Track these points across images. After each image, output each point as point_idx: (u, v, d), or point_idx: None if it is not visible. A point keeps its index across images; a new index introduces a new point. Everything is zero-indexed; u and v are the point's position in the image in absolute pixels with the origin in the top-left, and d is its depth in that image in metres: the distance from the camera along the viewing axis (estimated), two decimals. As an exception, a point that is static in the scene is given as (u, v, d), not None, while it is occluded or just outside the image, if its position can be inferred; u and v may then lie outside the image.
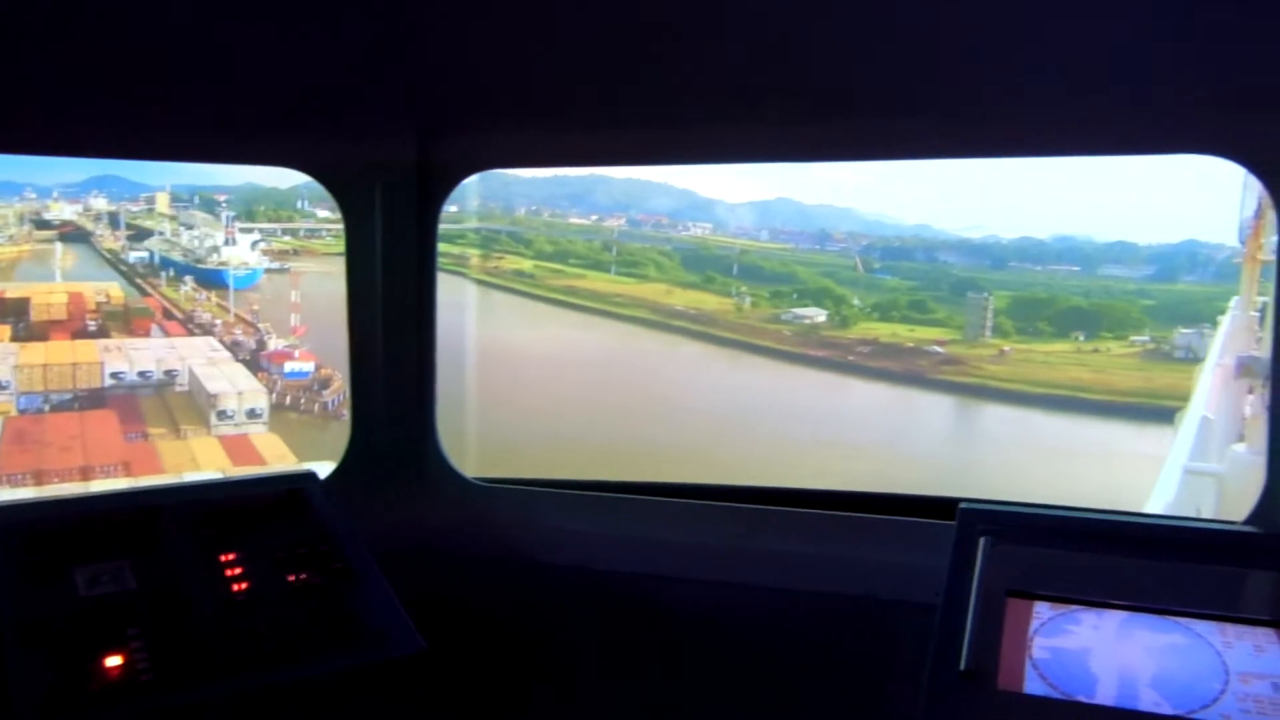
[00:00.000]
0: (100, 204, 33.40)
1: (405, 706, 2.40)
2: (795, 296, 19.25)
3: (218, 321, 23.94)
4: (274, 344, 22.01)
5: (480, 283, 21.78)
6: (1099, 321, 16.74)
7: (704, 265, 21.18)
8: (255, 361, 21.76)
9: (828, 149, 2.99)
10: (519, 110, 3.01)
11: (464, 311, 20.71)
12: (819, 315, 18.85)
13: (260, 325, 22.82)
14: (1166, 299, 16.26)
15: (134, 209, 32.85)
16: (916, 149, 2.89)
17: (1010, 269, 18.47)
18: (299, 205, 30.71)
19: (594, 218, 23.88)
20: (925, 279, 18.83)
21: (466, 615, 3.07)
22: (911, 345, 17.89)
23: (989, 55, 2.31)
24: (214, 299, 25.19)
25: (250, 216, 30.42)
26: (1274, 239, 6.67)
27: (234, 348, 22.08)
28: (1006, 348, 17.23)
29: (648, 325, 20.51)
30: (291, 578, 2.48)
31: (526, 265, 22.37)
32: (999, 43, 2.22)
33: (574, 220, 23.89)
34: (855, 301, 18.88)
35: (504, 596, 3.23)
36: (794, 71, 2.49)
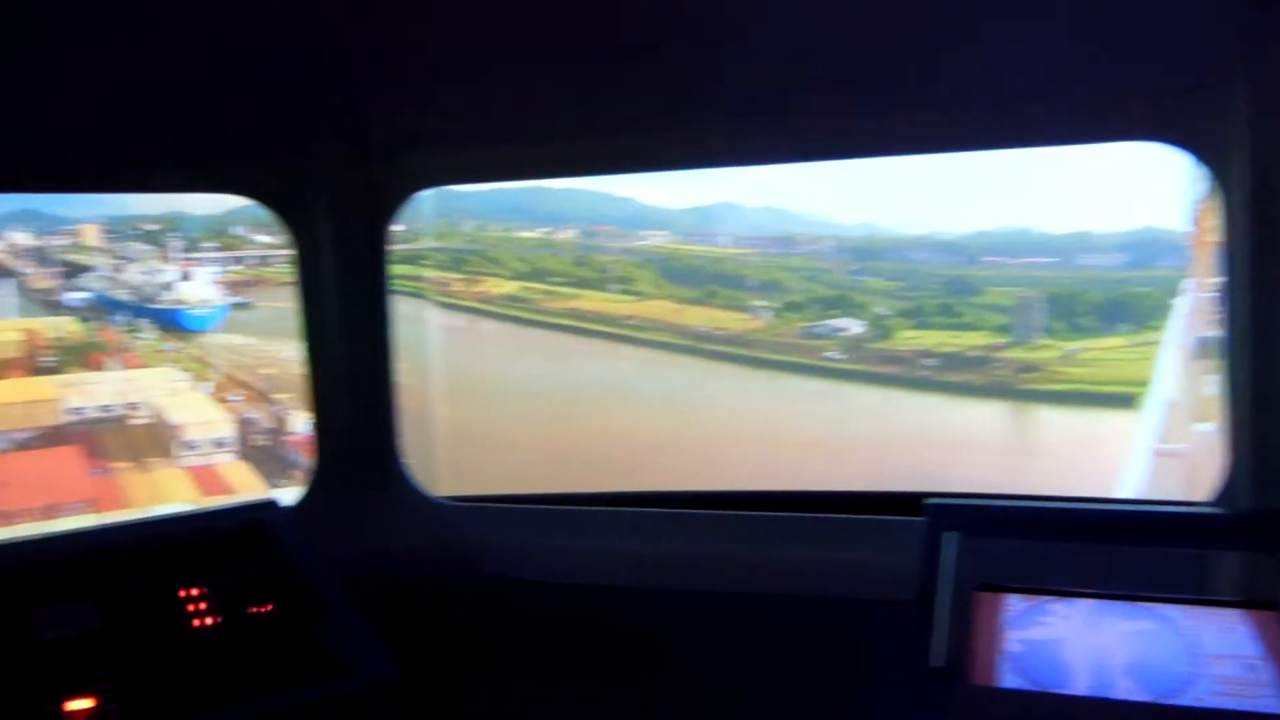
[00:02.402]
0: (23, 240, 32.24)
1: None
2: (818, 308, 18.23)
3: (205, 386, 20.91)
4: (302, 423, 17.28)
5: (466, 310, 20.54)
6: (1130, 313, 16.43)
7: (684, 278, 20.31)
8: (278, 454, 17.80)
9: (777, 150, 2.91)
10: (467, 124, 2.96)
11: (480, 355, 18.89)
12: (855, 326, 17.66)
13: (270, 394, 19.12)
14: (1162, 284, 15.72)
15: (59, 243, 31.76)
16: (877, 147, 2.84)
17: (985, 264, 18.12)
18: (235, 231, 30.14)
19: (543, 231, 23.07)
20: (911, 279, 18.23)
21: (439, 638, 3.06)
22: (977, 355, 16.94)
23: (940, 50, 2.25)
24: (191, 350, 23.60)
25: (193, 246, 29.66)
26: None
27: (242, 428, 18.25)
28: (1072, 346, 16.46)
29: (686, 352, 18.52)
30: (256, 610, 2.45)
31: (511, 287, 21.12)
32: (949, 39, 2.17)
33: (523, 234, 23.01)
34: (879, 309, 17.85)
35: (476, 616, 3.20)
36: (748, 71, 2.40)
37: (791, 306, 18.71)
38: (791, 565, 2.92)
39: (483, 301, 21.21)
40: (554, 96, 2.68)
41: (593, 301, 20.41)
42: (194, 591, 2.47)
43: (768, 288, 19.23)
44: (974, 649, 2.14)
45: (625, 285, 20.46)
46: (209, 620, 2.40)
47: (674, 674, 3.02)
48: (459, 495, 3.40)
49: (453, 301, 20.95)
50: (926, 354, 17.10)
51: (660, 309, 19.63)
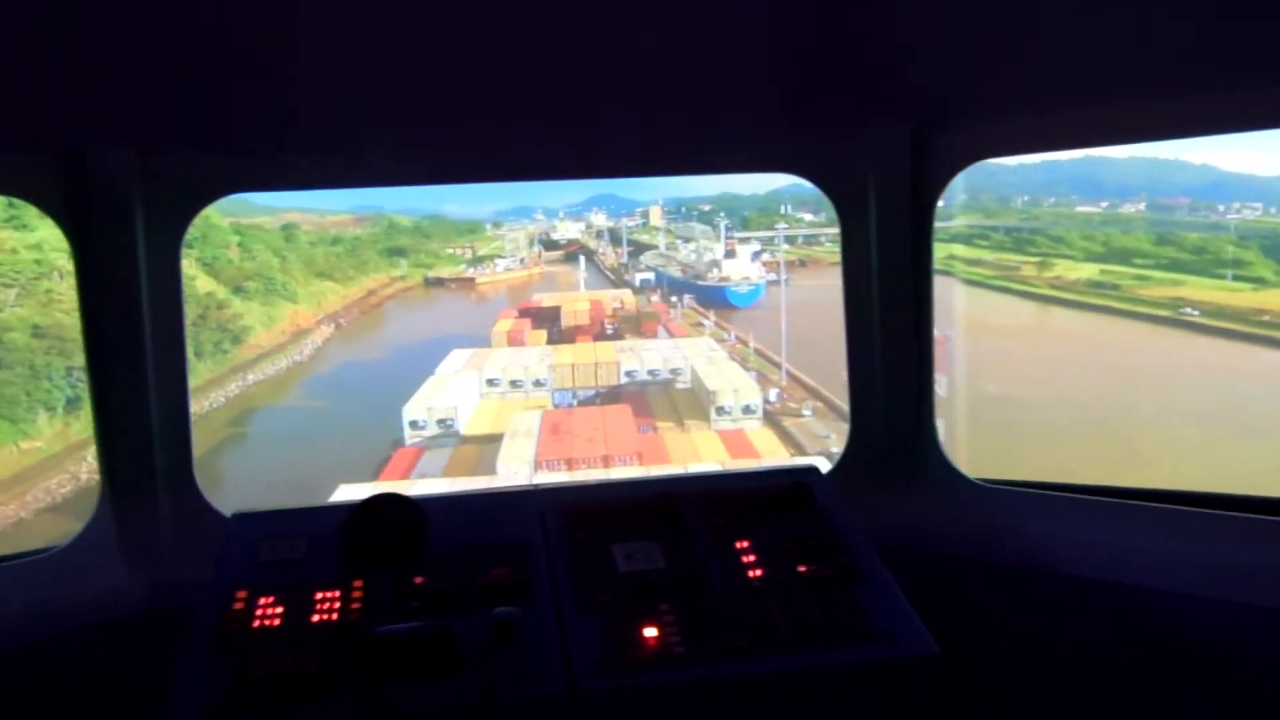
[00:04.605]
0: (600, 220, 36.75)
1: (908, 709, 2.31)
2: None
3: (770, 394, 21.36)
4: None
5: (1038, 296, 18.69)
6: None
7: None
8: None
9: None
10: (1020, 91, 2.86)
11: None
12: None
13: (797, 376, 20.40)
14: None
15: (629, 224, 35.58)
16: None
17: None
18: (782, 210, 31.43)
19: (1103, 204, 21.22)
20: None
21: (967, 619, 2.89)
22: None
23: None
24: (731, 325, 25.13)
25: (743, 225, 31.39)
26: None
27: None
28: None
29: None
30: (801, 568, 2.55)
31: (1088, 271, 19.05)
32: None
33: (1083, 209, 21.16)
34: None
35: (1009, 602, 3.15)
36: None
37: None
38: None
39: (1056, 287, 19.46)
40: (1117, 51, 2.48)
41: (1201, 289, 17.26)
42: (745, 544, 2.64)
43: None
44: None
45: (1237, 270, 17.06)
46: (760, 572, 2.54)
47: (1219, 694, 2.80)
48: (992, 478, 3.36)
49: (1022, 287, 19.45)
50: None
51: (1288, 300, 15.76)
